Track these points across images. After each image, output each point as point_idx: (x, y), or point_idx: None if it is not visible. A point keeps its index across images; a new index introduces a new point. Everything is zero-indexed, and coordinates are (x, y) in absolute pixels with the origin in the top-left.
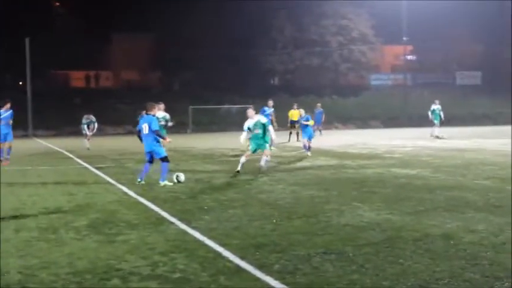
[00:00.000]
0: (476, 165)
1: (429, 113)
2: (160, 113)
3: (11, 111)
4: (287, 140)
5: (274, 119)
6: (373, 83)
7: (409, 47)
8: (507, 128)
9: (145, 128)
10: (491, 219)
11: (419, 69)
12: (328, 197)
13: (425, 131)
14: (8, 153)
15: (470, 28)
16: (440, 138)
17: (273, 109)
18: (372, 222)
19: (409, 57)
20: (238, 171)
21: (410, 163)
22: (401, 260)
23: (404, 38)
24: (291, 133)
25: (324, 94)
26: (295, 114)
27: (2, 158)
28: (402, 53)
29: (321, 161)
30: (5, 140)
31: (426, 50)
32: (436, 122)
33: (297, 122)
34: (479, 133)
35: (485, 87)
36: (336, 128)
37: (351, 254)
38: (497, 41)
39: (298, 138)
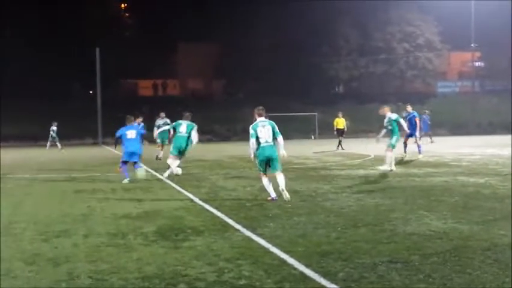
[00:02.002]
0: None
1: None
2: (160, 120)
3: (142, 124)
4: (335, 148)
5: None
6: (440, 90)
7: (477, 54)
8: None
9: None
10: None
11: (487, 75)
12: (394, 205)
13: (494, 138)
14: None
15: None
16: None
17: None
18: (438, 231)
19: (477, 63)
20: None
21: (478, 171)
22: (469, 270)
23: (473, 45)
24: (340, 141)
25: (389, 101)
26: (340, 122)
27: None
28: (470, 59)
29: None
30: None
31: (494, 56)
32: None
33: (343, 130)
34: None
35: None
36: (402, 136)
37: (417, 263)
38: None
39: (341, 146)
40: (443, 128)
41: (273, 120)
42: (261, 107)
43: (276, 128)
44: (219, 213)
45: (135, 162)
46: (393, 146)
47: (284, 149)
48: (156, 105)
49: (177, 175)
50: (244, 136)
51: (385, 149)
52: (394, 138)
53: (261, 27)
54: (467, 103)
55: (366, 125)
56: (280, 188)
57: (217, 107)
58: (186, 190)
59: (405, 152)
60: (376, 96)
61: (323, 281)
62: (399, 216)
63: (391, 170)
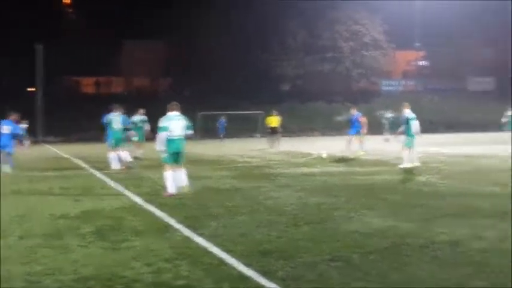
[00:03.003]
0: (486, 172)
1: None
2: (138, 116)
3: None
4: (269, 147)
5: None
6: (385, 88)
7: (421, 53)
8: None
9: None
10: (500, 226)
11: (430, 75)
12: (336, 203)
13: (435, 137)
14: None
15: (482, 34)
16: None
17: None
18: (379, 229)
19: (421, 63)
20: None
21: (419, 170)
22: (406, 267)
23: (417, 44)
24: (272, 139)
25: (335, 100)
26: (274, 120)
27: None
28: (414, 58)
29: (330, 167)
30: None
31: (438, 56)
32: (509, 129)
33: (276, 128)
34: (490, 139)
35: (498, 93)
36: (347, 134)
37: (356, 261)
38: (510, 47)
39: (276, 144)
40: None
41: (220, 118)
42: (174, 103)
43: (188, 123)
44: (159, 213)
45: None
46: (409, 145)
47: (221, 147)
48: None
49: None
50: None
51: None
52: (409, 137)
53: (208, 25)
54: (411, 102)
55: (310, 124)
56: (184, 184)
57: (163, 105)
58: (127, 189)
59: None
60: (322, 94)
61: (262, 280)
62: (341, 214)
63: (414, 165)
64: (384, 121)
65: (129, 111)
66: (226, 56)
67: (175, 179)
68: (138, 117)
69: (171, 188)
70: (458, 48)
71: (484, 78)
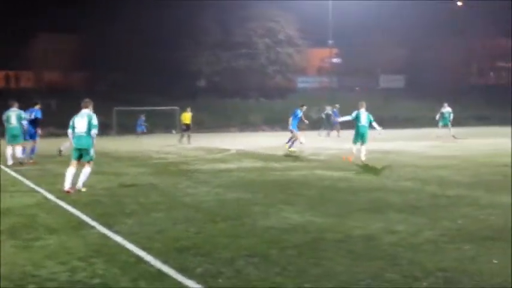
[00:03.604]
0: (399, 167)
1: (437, 116)
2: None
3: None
4: (178, 142)
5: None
6: (300, 85)
7: (335, 50)
8: (429, 130)
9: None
10: (411, 220)
11: (344, 72)
12: (254, 199)
13: (351, 133)
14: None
15: (393, 33)
16: (456, 138)
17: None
18: (296, 225)
19: (334, 60)
20: None
21: (335, 165)
22: (323, 262)
23: (330, 41)
24: (183, 135)
25: (250, 96)
26: (187, 117)
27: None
28: (328, 56)
29: (247, 163)
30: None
31: (351, 54)
32: (442, 124)
33: (189, 125)
34: (402, 136)
35: (408, 91)
36: (263, 130)
37: (274, 257)
38: (419, 46)
39: (187, 140)
40: (302, 122)
41: (139, 114)
42: (86, 100)
43: (94, 121)
44: (74, 210)
45: None
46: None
47: (137, 143)
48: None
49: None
50: (104, 130)
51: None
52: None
53: (123, 21)
54: (326, 98)
55: (227, 120)
56: (79, 181)
57: (76, 100)
58: (40, 186)
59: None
60: (238, 90)
61: (180, 277)
62: (259, 210)
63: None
64: (322, 116)
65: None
66: (142, 52)
67: (80, 176)
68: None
69: (67, 185)
70: (370, 46)
71: (395, 76)
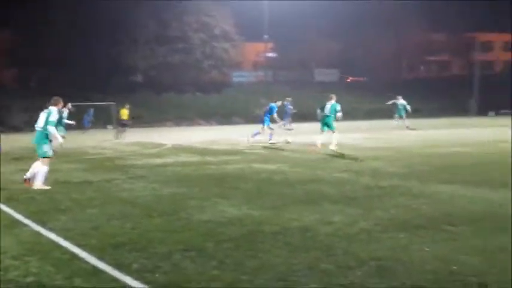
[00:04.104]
0: (333, 159)
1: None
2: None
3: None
4: (113, 138)
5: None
6: (235, 79)
7: (270, 45)
8: (363, 123)
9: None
10: (346, 211)
11: (279, 66)
12: (190, 193)
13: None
14: None
15: (328, 27)
16: (412, 129)
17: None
18: (232, 218)
19: (269, 54)
20: None
21: (270, 158)
22: (260, 254)
23: (266, 36)
24: (119, 131)
25: (186, 91)
26: (124, 113)
27: None
28: (263, 50)
29: (183, 158)
30: None
31: (286, 48)
32: (398, 115)
33: (126, 121)
34: (336, 128)
35: (342, 84)
36: (199, 124)
37: (211, 250)
38: (353, 40)
39: (121, 136)
40: (238, 116)
41: (88, 109)
42: (55, 98)
43: (50, 118)
44: (6, 208)
45: None
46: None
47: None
48: None
49: None
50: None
51: None
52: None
53: (57, 15)
54: (262, 92)
55: (163, 114)
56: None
57: (7, 97)
58: None
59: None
60: (174, 85)
61: (116, 273)
62: (195, 204)
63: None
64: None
65: None
66: (77, 47)
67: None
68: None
69: (27, 174)
70: (305, 41)
71: (329, 69)
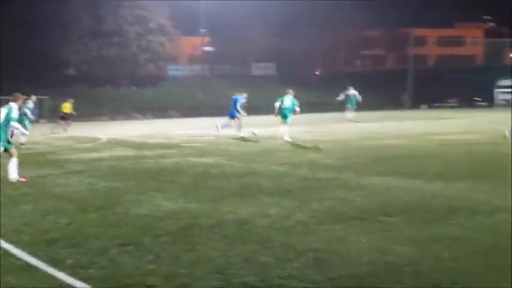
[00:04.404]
0: (270, 152)
1: (340, 97)
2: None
3: None
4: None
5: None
6: (172, 73)
7: (207, 39)
8: (299, 117)
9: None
10: (283, 203)
11: (216, 60)
12: (126, 188)
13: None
14: None
15: (264, 21)
16: (356, 122)
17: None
18: (169, 212)
19: (206, 48)
20: None
21: (207, 152)
22: (197, 247)
23: (202, 30)
24: (61, 125)
25: (122, 85)
26: (67, 107)
27: None
28: (200, 44)
29: (119, 152)
30: None
31: (223, 42)
32: (350, 106)
33: (69, 115)
34: (272, 122)
35: (279, 78)
36: (135, 118)
37: (148, 244)
38: (289, 35)
39: (64, 130)
40: (175, 110)
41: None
42: (16, 94)
43: (12, 114)
44: None
45: None
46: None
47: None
48: None
49: None
50: None
51: None
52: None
53: None
54: (198, 86)
55: (98, 108)
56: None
57: None
58: None
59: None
60: (109, 79)
61: (50, 270)
62: (131, 198)
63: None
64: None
65: None
66: (8, 40)
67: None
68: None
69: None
70: (242, 34)
71: (266, 63)
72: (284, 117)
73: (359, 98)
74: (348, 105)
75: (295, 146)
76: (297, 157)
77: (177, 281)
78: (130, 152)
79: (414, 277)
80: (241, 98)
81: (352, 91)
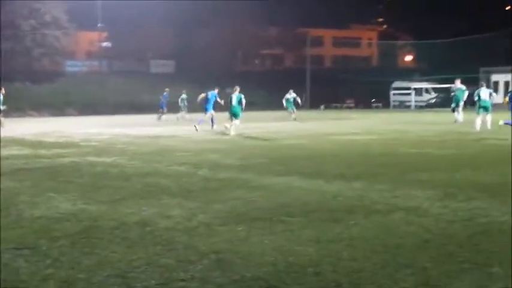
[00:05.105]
0: (171, 152)
1: (284, 101)
2: None
3: None
4: None
5: None
6: (69, 69)
7: (104, 34)
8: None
9: None
10: (185, 204)
11: (115, 56)
12: (20, 188)
13: (121, 118)
14: None
15: (163, 17)
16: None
17: None
18: (67, 213)
19: (104, 44)
20: None
21: (106, 151)
22: (98, 251)
23: (99, 25)
24: None
25: (15, 80)
26: None
27: None
28: (97, 39)
29: (14, 151)
30: None
31: (121, 38)
32: (290, 109)
33: None
34: (172, 120)
35: (179, 76)
36: (30, 115)
37: (45, 248)
38: (189, 31)
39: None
40: (72, 107)
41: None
42: None
43: None
44: None
45: None
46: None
47: None
48: None
49: None
50: None
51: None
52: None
53: None
54: (96, 83)
55: None
56: None
57: None
58: None
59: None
60: (3, 74)
61: None
62: (26, 199)
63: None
64: (179, 101)
65: None
66: None
67: None
68: None
69: None
70: (140, 30)
71: (166, 61)
72: (233, 115)
73: (297, 100)
74: (289, 108)
75: (202, 143)
76: (197, 157)
77: (76, 286)
78: (25, 151)
79: (316, 278)
80: (215, 94)
81: (292, 94)
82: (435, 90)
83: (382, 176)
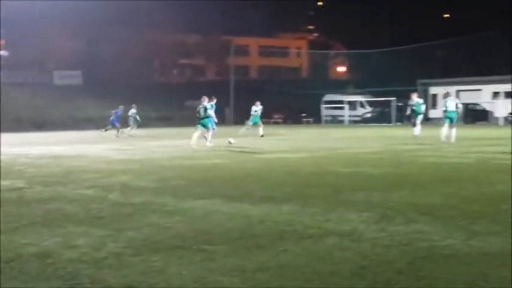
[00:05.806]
0: (77, 174)
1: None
2: None
3: None
4: None
5: None
6: None
7: (2, 42)
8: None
9: None
10: (93, 232)
11: (14, 66)
12: None
13: (21, 136)
14: None
15: (69, 25)
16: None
17: None
18: None
19: (1, 52)
20: None
21: (3, 173)
22: None
23: None
24: None
25: None
26: None
27: None
28: None
29: None
30: None
31: (21, 47)
32: (251, 123)
33: None
34: (80, 138)
35: (87, 88)
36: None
37: None
38: (98, 39)
39: None
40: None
41: None
42: None
43: None
44: None
45: None
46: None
47: None
48: None
49: None
50: None
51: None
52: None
53: None
54: None
55: None
56: None
57: None
58: None
59: None
60: None
61: None
62: None
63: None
64: (129, 116)
65: None
66: None
67: None
68: None
69: None
70: (43, 39)
71: (71, 71)
72: (202, 125)
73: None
74: (250, 123)
75: (113, 164)
76: (107, 179)
77: None
78: None
79: None
80: (213, 106)
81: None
82: (370, 103)
83: (313, 198)
